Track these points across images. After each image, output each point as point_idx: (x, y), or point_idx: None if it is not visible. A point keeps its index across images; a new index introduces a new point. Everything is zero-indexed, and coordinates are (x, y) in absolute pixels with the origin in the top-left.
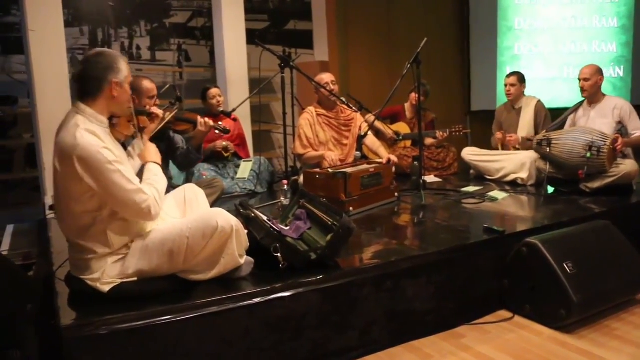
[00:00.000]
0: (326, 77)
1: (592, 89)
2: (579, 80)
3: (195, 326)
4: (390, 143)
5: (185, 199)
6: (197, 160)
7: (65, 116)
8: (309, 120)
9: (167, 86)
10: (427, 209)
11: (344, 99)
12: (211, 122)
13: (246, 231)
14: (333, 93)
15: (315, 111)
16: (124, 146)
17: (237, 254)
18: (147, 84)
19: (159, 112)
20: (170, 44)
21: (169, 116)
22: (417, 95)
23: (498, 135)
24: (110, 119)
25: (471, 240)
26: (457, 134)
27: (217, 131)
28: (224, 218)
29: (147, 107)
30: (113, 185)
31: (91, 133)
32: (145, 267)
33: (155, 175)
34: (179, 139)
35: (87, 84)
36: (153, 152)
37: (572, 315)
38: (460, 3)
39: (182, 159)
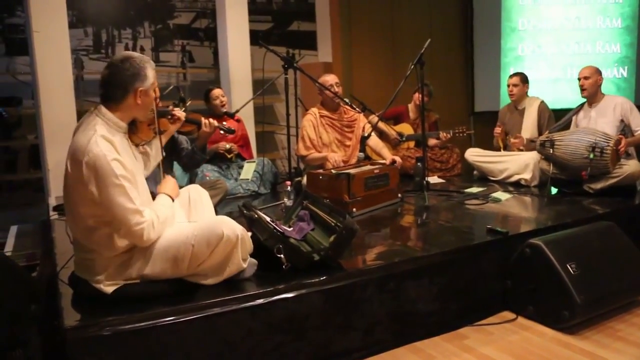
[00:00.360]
0: (330, 79)
1: (592, 88)
2: (579, 79)
3: (199, 327)
4: (394, 144)
5: (189, 200)
6: (203, 161)
7: (85, 117)
8: (312, 122)
9: (171, 87)
10: (431, 210)
11: (347, 100)
12: (215, 123)
13: (249, 233)
14: (337, 95)
15: (319, 112)
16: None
17: (242, 259)
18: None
19: (181, 114)
20: (174, 45)
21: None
22: (420, 96)
23: (497, 130)
24: (130, 123)
25: (474, 242)
26: (461, 135)
27: (221, 131)
28: (230, 227)
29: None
30: (113, 200)
31: (107, 141)
32: (149, 271)
33: (162, 205)
34: (183, 139)
35: (111, 90)
36: (170, 186)
37: (575, 316)
38: (464, 4)
39: (187, 159)
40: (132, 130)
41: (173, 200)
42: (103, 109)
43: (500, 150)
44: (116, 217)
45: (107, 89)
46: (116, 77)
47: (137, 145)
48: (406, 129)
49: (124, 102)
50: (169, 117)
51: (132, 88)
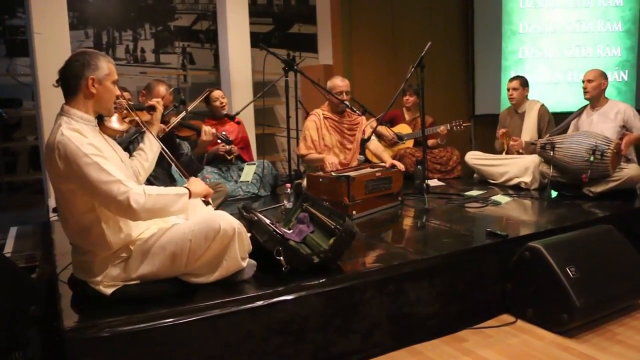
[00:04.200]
0: (342, 86)
1: (594, 91)
2: (583, 82)
3: (198, 329)
4: (391, 144)
5: None
6: (199, 170)
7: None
8: (316, 123)
9: (171, 89)
10: (430, 212)
11: (347, 103)
12: (213, 130)
13: (249, 234)
14: (342, 100)
15: (323, 114)
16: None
17: (240, 257)
18: (161, 89)
19: (155, 102)
20: (174, 46)
21: (175, 120)
22: (407, 98)
23: (502, 131)
24: (101, 117)
25: (474, 244)
26: (458, 127)
27: (219, 140)
28: (227, 220)
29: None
30: (90, 179)
31: (74, 130)
32: (148, 270)
33: (172, 190)
34: (185, 146)
35: (66, 82)
36: (196, 184)
37: (574, 319)
38: (465, 7)
39: (184, 166)
40: (103, 122)
41: (190, 196)
42: (65, 107)
43: (502, 153)
44: (99, 193)
45: (63, 83)
46: (68, 69)
47: (113, 138)
48: (404, 129)
49: (80, 92)
50: (145, 109)
51: (83, 77)
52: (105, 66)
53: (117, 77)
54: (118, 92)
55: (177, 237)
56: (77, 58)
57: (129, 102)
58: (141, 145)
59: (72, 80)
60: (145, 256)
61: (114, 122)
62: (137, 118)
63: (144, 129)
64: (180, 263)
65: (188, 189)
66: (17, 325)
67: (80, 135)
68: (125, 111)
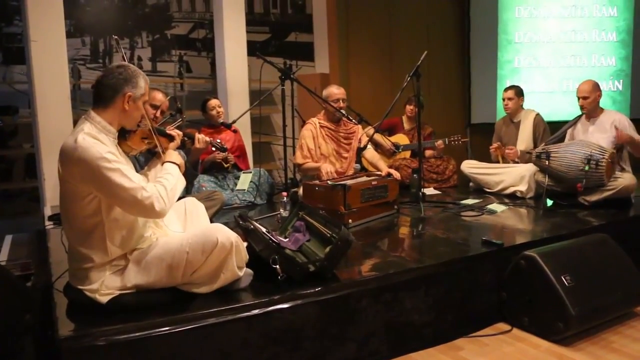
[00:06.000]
0: (338, 93)
1: (591, 106)
2: (578, 98)
3: (194, 337)
4: (389, 154)
5: (185, 212)
6: (194, 177)
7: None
8: (312, 132)
9: (168, 98)
10: (426, 221)
11: (344, 112)
12: (207, 138)
13: (245, 243)
14: (338, 109)
15: (319, 123)
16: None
17: (237, 267)
18: (156, 94)
19: (175, 133)
20: (171, 55)
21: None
22: (412, 108)
23: (493, 147)
24: (123, 132)
25: (470, 253)
26: (456, 142)
27: (213, 148)
28: (224, 234)
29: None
30: (113, 185)
31: (94, 138)
32: (144, 280)
33: (168, 173)
34: (181, 154)
35: (102, 90)
36: (173, 154)
37: (569, 328)
38: (461, 16)
39: None
40: (124, 138)
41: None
42: (92, 113)
43: (497, 162)
44: (123, 199)
45: (98, 88)
46: (109, 78)
47: (127, 154)
48: (402, 139)
49: (113, 104)
50: (167, 136)
51: (121, 91)
52: (143, 86)
53: (148, 97)
54: (143, 112)
55: (174, 248)
56: (120, 71)
57: (155, 125)
58: (145, 170)
59: (108, 91)
60: (142, 266)
61: (134, 140)
62: (157, 143)
63: (160, 154)
64: (177, 275)
65: (174, 163)
66: (12, 334)
67: (100, 143)
68: (148, 132)
